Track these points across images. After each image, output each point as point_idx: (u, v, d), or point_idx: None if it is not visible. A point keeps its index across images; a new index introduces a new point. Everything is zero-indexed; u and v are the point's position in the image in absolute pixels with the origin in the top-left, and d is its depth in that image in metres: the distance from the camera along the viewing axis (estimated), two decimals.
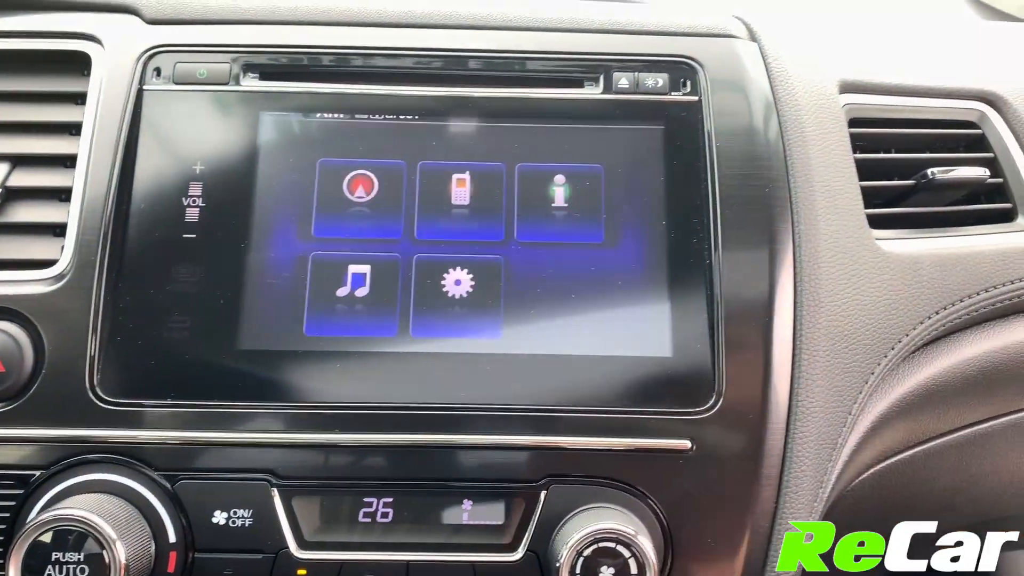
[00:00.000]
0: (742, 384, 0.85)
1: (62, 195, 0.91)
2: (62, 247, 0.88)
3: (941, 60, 1.17)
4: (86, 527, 0.76)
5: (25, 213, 0.91)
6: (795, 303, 0.89)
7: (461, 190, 0.92)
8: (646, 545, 0.78)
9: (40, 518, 0.77)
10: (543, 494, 0.84)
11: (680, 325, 0.87)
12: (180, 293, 0.87)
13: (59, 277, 0.87)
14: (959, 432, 1.07)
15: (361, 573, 0.83)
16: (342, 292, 0.88)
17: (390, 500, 0.85)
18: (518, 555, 0.83)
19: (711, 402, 0.85)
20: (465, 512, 0.85)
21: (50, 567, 0.76)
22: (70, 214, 0.89)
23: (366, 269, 0.89)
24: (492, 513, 0.85)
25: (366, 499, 0.85)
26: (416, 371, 0.86)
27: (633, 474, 0.84)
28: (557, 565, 0.78)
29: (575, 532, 0.79)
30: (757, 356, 0.86)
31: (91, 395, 0.84)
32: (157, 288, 0.87)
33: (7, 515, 0.83)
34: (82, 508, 0.78)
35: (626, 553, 0.78)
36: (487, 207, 0.91)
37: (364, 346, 0.86)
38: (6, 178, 0.91)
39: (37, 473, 0.84)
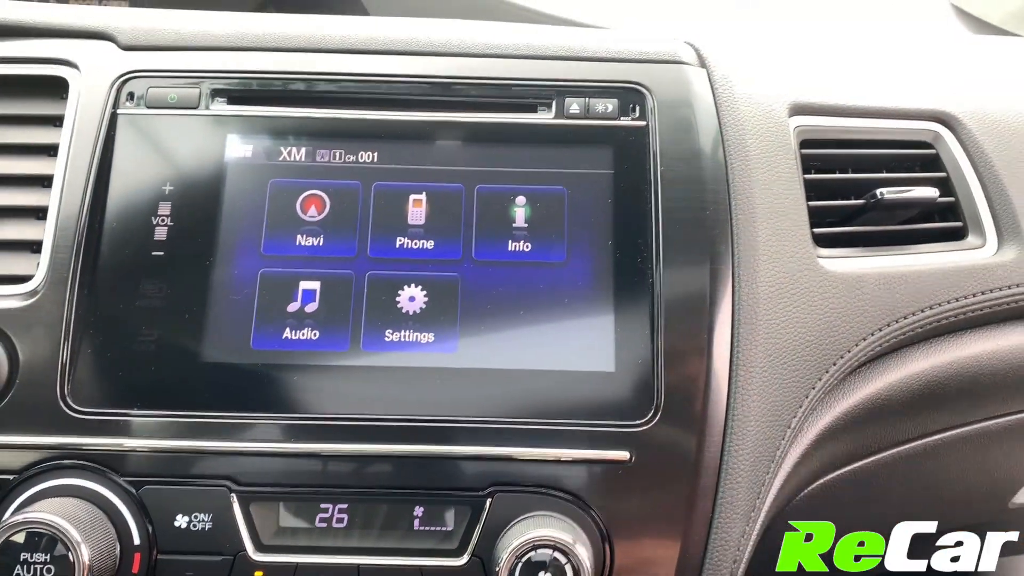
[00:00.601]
0: (679, 398, 0.89)
1: (39, 213, 0.96)
2: (37, 264, 0.93)
3: (897, 79, 1.19)
4: (53, 530, 0.81)
5: (2, 231, 0.96)
6: (733, 321, 0.92)
7: (417, 210, 0.96)
8: (583, 553, 0.82)
9: (10, 520, 0.81)
10: (488, 502, 0.88)
11: (623, 341, 0.91)
12: (147, 308, 0.92)
13: (33, 293, 0.92)
14: (908, 444, 1.11)
15: (315, 575, 0.87)
16: (292, 307, 0.92)
17: (345, 507, 0.89)
18: (463, 560, 0.87)
19: (649, 415, 0.89)
20: (416, 518, 0.89)
21: (19, 567, 0.81)
22: (46, 232, 0.94)
23: (316, 285, 0.93)
24: (441, 520, 0.89)
25: (322, 504, 0.89)
26: (369, 384, 0.90)
27: (574, 484, 0.88)
28: (496, 570, 0.82)
29: (515, 538, 0.83)
30: (695, 371, 0.90)
31: (62, 404, 0.89)
32: (126, 303, 0.92)
33: None
34: (50, 512, 0.82)
35: (563, 560, 0.82)
36: (444, 227, 0.95)
37: (316, 359, 0.91)
38: None
39: (11, 477, 0.88)
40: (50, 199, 0.95)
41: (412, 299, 0.93)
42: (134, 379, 0.90)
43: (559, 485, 0.88)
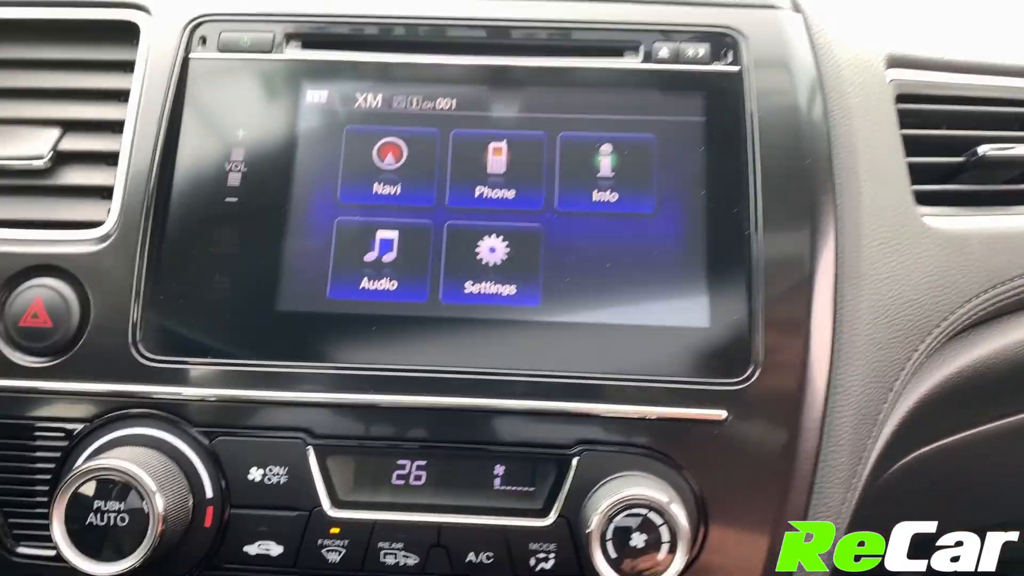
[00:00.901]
0: (780, 356, 0.84)
1: (109, 159, 0.93)
2: (108, 209, 0.91)
3: (996, 34, 1.13)
4: (128, 478, 0.78)
5: (74, 176, 0.94)
6: (836, 276, 0.87)
7: (497, 159, 0.92)
8: (679, 514, 0.77)
9: (83, 467, 0.79)
10: (575, 460, 0.83)
11: (718, 296, 0.86)
12: (221, 255, 0.89)
13: (105, 237, 0.89)
14: (1009, 419, 1.04)
15: (393, 534, 0.84)
16: (369, 257, 0.89)
17: (423, 463, 0.86)
18: (549, 520, 0.83)
19: (748, 373, 0.84)
20: (497, 477, 0.85)
21: (91, 515, 0.78)
22: (117, 177, 0.91)
23: (393, 235, 0.90)
24: (524, 478, 0.85)
25: (399, 461, 0.85)
26: (448, 336, 0.86)
27: (666, 444, 0.83)
28: (588, 531, 0.78)
29: (606, 498, 0.79)
30: (796, 328, 0.85)
31: (133, 352, 0.86)
32: (199, 250, 0.89)
33: (52, 466, 0.86)
34: (124, 460, 0.79)
35: (658, 521, 0.77)
36: (525, 176, 0.91)
37: (394, 310, 0.87)
38: (57, 142, 0.94)
39: (81, 426, 0.86)
40: (121, 144, 0.93)
41: (492, 250, 0.89)
42: (207, 327, 0.87)
43: (650, 444, 0.83)
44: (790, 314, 0.85)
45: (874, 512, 0.92)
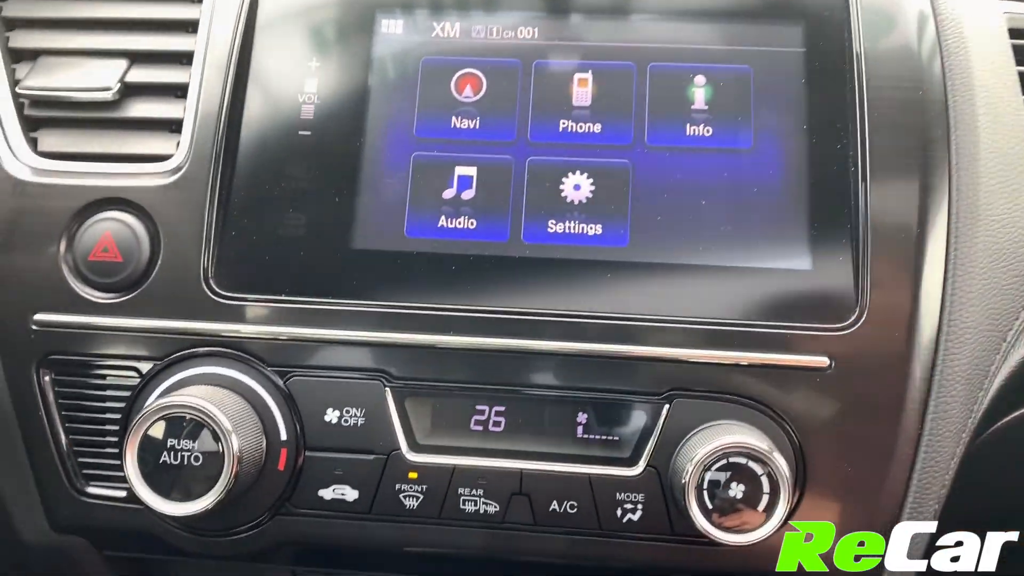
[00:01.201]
0: (888, 299, 0.78)
1: (178, 92, 0.90)
2: (178, 143, 0.88)
3: None
4: (202, 416, 0.75)
5: (142, 109, 0.91)
6: (950, 215, 0.81)
7: (583, 90, 0.87)
8: (781, 463, 0.73)
9: (156, 404, 0.76)
10: (666, 408, 0.79)
11: (821, 236, 0.80)
12: (294, 190, 0.85)
13: (175, 171, 0.86)
14: None
15: (473, 480, 0.80)
16: (447, 194, 0.85)
17: (502, 409, 0.82)
18: (637, 470, 0.79)
19: (853, 318, 0.78)
20: (580, 425, 0.81)
21: (165, 454, 0.75)
22: (186, 110, 0.88)
23: (472, 171, 0.85)
24: (610, 427, 0.81)
25: (478, 406, 0.82)
26: (531, 277, 0.82)
27: (764, 391, 0.78)
28: (683, 482, 0.73)
29: (701, 447, 0.74)
30: (906, 270, 0.79)
31: (205, 288, 0.83)
32: (271, 184, 0.85)
33: (123, 405, 0.84)
34: (198, 398, 0.77)
35: (759, 471, 0.73)
36: (613, 109, 0.86)
37: (474, 249, 0.83)
38: (124, 74, 0.91)
39: (151, 365, 0.83)
40: (190, 76, 0.89)
41: (577, 187, 0.84)
42: (281, 264, 0.83)
43: (747, 392, 0.79)
44: (899, 256, 0.79)
45: (973, 475, 0.87)
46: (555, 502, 0.80)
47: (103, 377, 0.85)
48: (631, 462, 0.79)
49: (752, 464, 0.73)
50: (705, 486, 0.73)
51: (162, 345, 0.83)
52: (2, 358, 0.87)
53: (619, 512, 0.79)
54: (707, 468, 0.73)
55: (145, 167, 0.87)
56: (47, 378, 0.86)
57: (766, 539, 0.73)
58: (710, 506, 0.73)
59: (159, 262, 0.84)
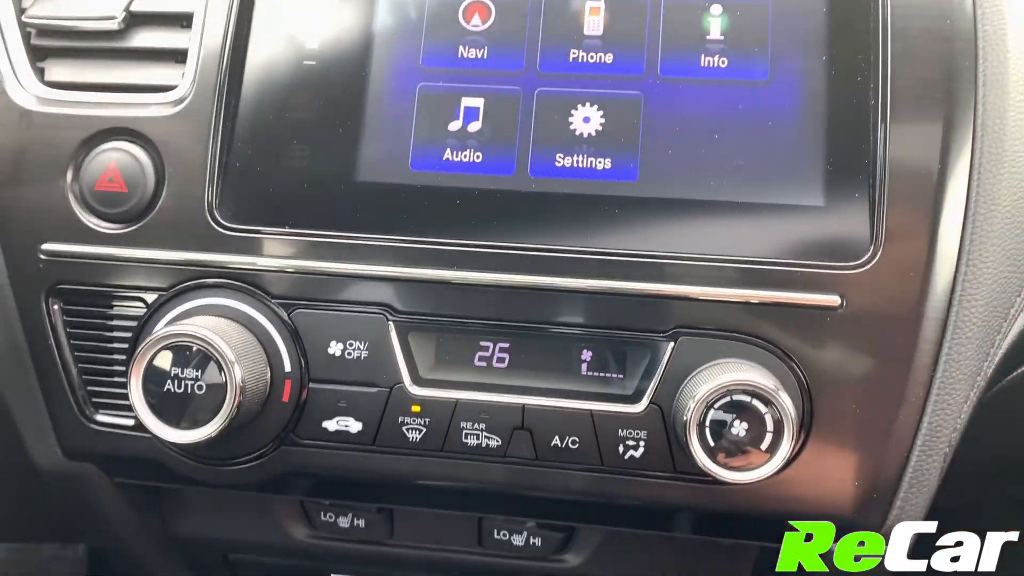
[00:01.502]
0: (904, 238, 0.76)
1: (184, 21, 0.89)
2: (183, 73, 0.87)
3: None
4: (206, 346, 0.76)
5: (148, 38, 0.89)
6: (973, 152, 0.78)
7: (594, 19, 0.84)
8: (787, 402, 0.71)
9: (160, 333, 0.76)
10: (671, 346, 0.78)
11: (837, 171, 0.78)
12: (298, 121, 0.84)
13: (179, 101, 0.85)
14: None
15: (476, 414, 0.80)
16: (453, 126, 0.83)
17: (506, 345, 0.81)
18: (640, 407, 0.78)
19: (867, 256, 0.76)
20: (585, 362, 0.80)
21: (169, 382, 0.76)
22: (191, 39, 0.87)
23: (479, 102, 0.83)
24: (614, 364, 0.80)
25: (482, 342, 0.81)
26: (537, 212, 0.81)
27: (773, 330, 0.77)
28: (685, 419, 0.72)
29: (705, 384, 0.73)
30: (923, 207, 0.76)
31: (210, 219, 0.83)
32: (276, 115, 0.84)
33: (130, 335, 0.84)
34: (202, 327, 0.77)
35: (763, 409, 0.72)
36: (625, 38, 0.83)
37: (479, 183, 0.81)
38: (130, 3, 0.89)
39: (157, 295, 0.84)
40: (194, 5, 0.88)
41: (587, 119, 0.82)
42: (286, 195, 0.83)
43: (755, 331, 0.77)
44: (917, 193, 0.76)
45: (985, 425, 0.85)
46: (557, 437, 0.79)
47: (110, 307, 0.86)
48: (634, 399, 0.78)
49: (757, 403, 0.72)
50: (708, 424, 0.72)
51: (167, 276, 0.83)
52: (13, 288, 0.88)
53: (621, 449, 0.78)
54: (711, 406, 0.72)
55: (150, 97, 0.86)
56: (56, 307, 0.86)
57: (768, 479, 0.72)
58: (712, 444, 0.72)
59: (164, 193, 0.84)
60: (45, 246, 0.85)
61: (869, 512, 0.79)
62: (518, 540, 0.96)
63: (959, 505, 0.89)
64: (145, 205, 0.84)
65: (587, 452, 0.79)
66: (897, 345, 0.76)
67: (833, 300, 0.76)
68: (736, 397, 0.72)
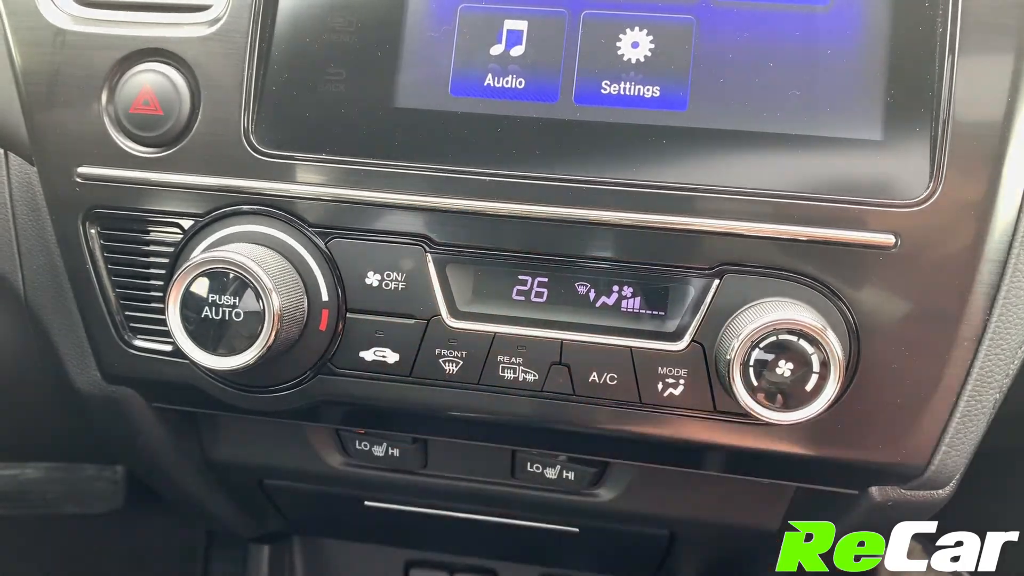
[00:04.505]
0: (965, 176, 0.72)
1: None
2: None
3: None
4: (242, 273, 0.75)
5: None
6: None
7: None
8: (835, 343, 0.69)
9: (199, 258, 0.76)
10: (716, 283, 0.76)
11: (897, 105, 0.74)
12: (335, 43, 0.81)
13: (214, 21, 0.83)
14: None
15: (513, 348, 0.79)
16: (495, 50, 0.80)
17: (545, 280, 0.80)
18: (682, 345, 0.76)
19: (925, 193, 0.73)
20: (626, 299, 0.79)
21: (206, 308, 0.76)
22: None
23: (522, 25, 0.80)
24: (655, 301, 0.78)
25: (520, 276, 0.80)
26: (581, 141, 0.78)
27: (822, 269, 0.74)
28: (728, 358, 0.71)
29: (751, 322, 0.71)
30: (988, 144, 0.72)
31: (246, 145, 0.81)
32: (312, 37, 0.81)
33: (167, 261, 0.84)
34: (239, 254, 0.76)
35: (809, 349, 0.70)
36: None
37: (521, 111, 0.79)
38: None
39: (193, 221, 0.83)
40: None
41: (635, 45, 0.78)
42: (322, 121, 0.81)
43: (803, 269, 0.75)
44: (982, 130, 0.72)
45: None
46: (595, 373, 0.78)
47: (147, 232, 0.85)
48: (675, 337, 0.77)
49: (803, 343, 0.70)
50: (752, 363, 0.70)
51: (204, 201, 0.82)
52: (50, 212, 0.88)
53: (660, 386, 0.77)
54: (756, 345, 0.70)
55: (185, 17, 0.84)
56: (93, 231, 0.86)
57: (810, 420, 0.71)
58: (756, 384, 0.70)
59: (199, 117, 0.82)
60: (81, 169, 0.84)
61: (912, 456, 0.78)
62: (551, 473, 0.96)
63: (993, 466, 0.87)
64: (181, 129, 0.82)
65: (625, 389, 0.78)
66: (953, 287, 0.73)
67: (887, 239, 0.73)
68: (782, 337, 0.70)
